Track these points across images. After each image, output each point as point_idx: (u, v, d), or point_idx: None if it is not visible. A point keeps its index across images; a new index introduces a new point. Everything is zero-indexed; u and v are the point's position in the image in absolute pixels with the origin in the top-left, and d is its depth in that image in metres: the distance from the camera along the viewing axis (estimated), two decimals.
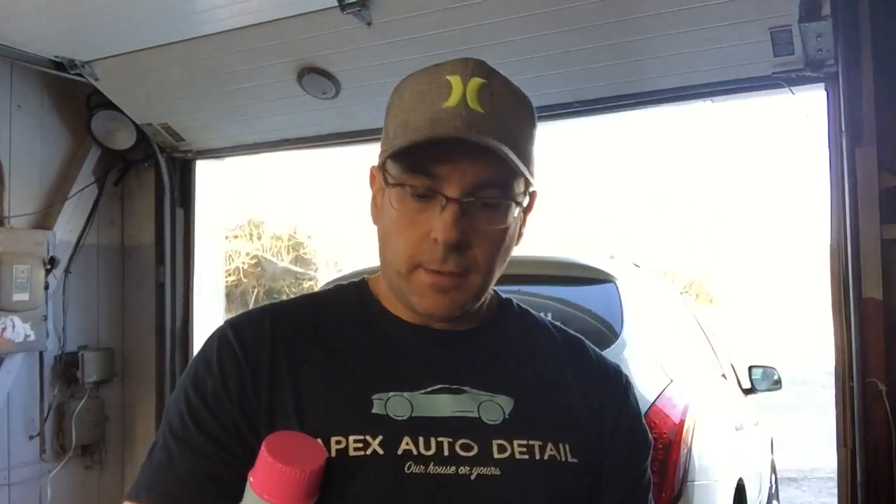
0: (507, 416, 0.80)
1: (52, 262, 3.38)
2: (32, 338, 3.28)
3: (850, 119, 2.31)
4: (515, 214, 0.80)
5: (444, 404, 0.79)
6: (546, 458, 0.79)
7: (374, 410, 0.77)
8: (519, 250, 0.86)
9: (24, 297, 3.22)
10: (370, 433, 0.75)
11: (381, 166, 0.79)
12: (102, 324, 3.78)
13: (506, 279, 0.85)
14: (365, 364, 0.81)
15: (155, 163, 3.72)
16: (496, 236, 0.79)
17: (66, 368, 3.57)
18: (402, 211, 0.77)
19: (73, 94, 3.49)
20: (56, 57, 3.15)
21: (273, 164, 11.80)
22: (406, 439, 0.75)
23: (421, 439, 0.76)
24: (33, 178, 3.42)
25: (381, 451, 0.74)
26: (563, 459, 0.80)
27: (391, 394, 0.78)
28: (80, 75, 3.22)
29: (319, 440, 0.73)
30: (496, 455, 0.77)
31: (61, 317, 3.52)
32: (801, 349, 13.61)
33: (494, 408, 0.80)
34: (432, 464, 0.75)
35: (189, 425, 0.75)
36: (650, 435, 0.90)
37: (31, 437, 3.42)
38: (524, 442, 0.79)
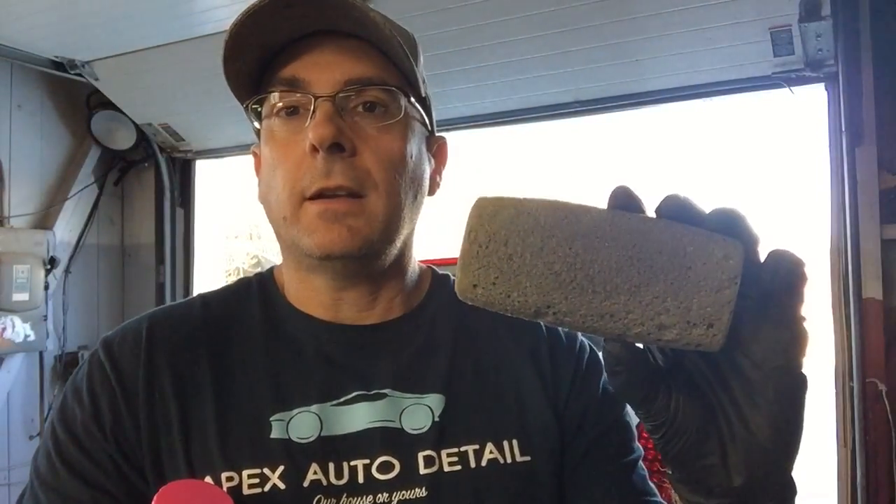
0: (436, 420, 0.67)
1: (52, 262, 3.38)
2: (32, 338, 3.28)
3: (850, 119, 2.31)
4: (408, 118, 0.67)
5: (359, 416, 0.66)
6: (484, 463, 0.66)
7: (273, 435, 0.64)
8: None
9: (24, 297, 3.22)
10: (269, 464, 0.62)
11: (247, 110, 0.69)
12: (102, 324, 3.78)
13: None
14: (265, 377, 0.67)
15: (155, 163, 3.72)
16: (388, 145, 0.65)
17: (66, 368, 3.56)
18: (276, 139, 0.65)
19: (73, 94, 3.49)
20: (56, 57, 3.15)
21: None
22: (314, 467, 0.63)
23: (331, 466, 0.63)
24: (33, 178, 3.42)
25: (282, 486, 0.62)
26: (509, 461, 0.67)
27: (295, 411, 0.65)
28: (80, 75, 3.22)
29: (210, 479, 0.61)
30: (423, 471, 0.64)
31: (61, 317, 3.52)
32: None
33: (420, 412, 0.67)
34: (345, 495, 0.62)
35: (57, 467, 0.62)
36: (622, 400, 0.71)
37: (31, 437, 3.41)
38: (454, 450, 0.66)
